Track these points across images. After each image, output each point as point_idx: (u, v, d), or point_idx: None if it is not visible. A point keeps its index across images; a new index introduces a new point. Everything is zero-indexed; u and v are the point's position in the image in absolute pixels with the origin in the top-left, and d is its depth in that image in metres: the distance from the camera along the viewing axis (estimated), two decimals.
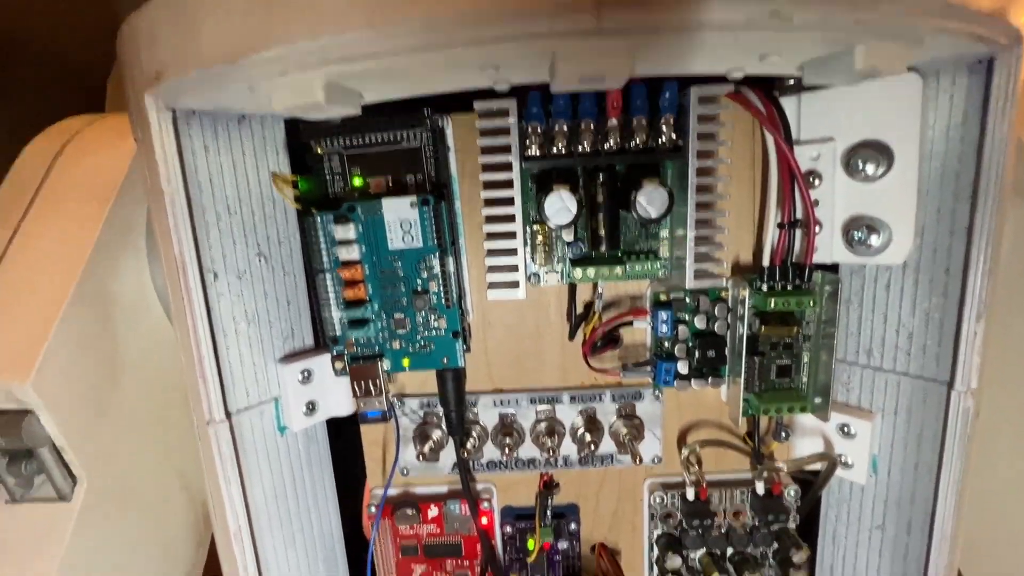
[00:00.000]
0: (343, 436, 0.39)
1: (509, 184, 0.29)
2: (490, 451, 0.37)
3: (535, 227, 0.31)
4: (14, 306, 0.36)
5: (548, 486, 0.38)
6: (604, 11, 0.18)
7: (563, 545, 0.37)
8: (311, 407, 0.35)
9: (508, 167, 0.28)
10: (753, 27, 0.19)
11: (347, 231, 0.29)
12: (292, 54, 0.21)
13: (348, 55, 0.20)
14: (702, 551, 0.37)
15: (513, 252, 0.30)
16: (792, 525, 0.37)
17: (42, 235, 0.40)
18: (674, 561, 0.36)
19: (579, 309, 0.35)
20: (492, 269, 0.31)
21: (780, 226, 0.31)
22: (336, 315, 0.31)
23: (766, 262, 0.32)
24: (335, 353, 0.32)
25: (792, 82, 0.31)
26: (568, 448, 0.37)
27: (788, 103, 0.32)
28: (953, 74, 0.28)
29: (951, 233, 0.30)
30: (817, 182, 0.32)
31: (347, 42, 0.20)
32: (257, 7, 0.21)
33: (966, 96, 0.28)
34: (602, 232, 0.30)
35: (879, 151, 0.30)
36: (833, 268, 0.34)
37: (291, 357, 0.35)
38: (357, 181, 0.31)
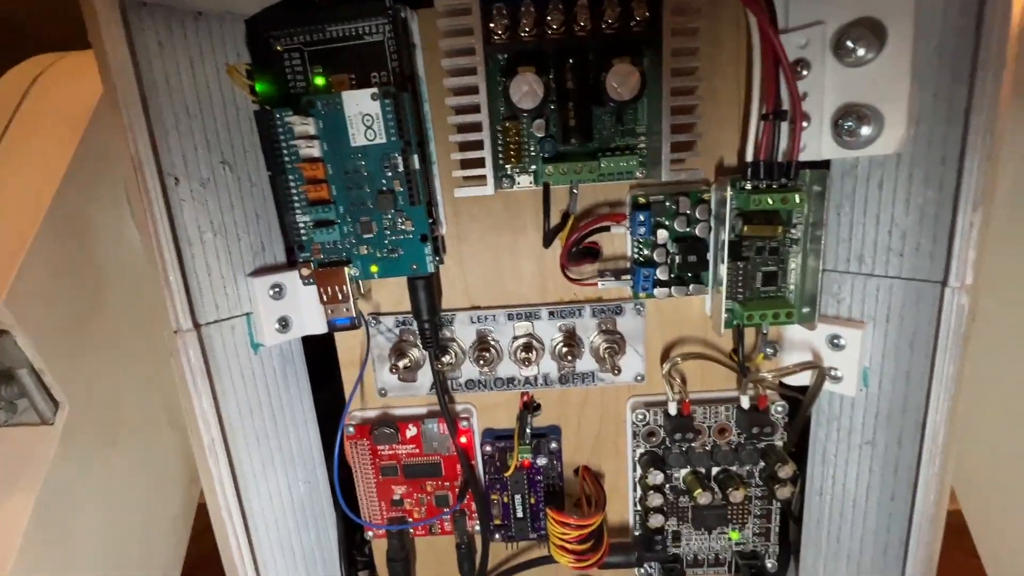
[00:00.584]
0: (325, 359, 0.38)
1: (473, 71, 0.27)
2: (469, 370, 0.36)
3: (506, 124, 0.30)
4: None
5: (528, 406, 0.37)
6: None
7: (543, 462, 0.37)
8: (284, 323, 0.34)
9: (472, 51, 0.27)
10: None
11: (306, 126, 0.28)
12: None
13: None
14: (686, 470, 0.37)
15: (479, 145, 0.28)
16: (779, 441, 0.36)
17: (15, 163, 0.40)
18: (656, 477, 0.35)
19: (556, 218, 0.33)
20: (460, 165, 0.29)
21: (763, 117, 0.29)
22: (301, 218, 0.30)
23: (749, 158, 0.30)
24: (301, 260, 0.31)
25: None
26: (548, 366, 0.36)
27: None
28: None
29: (947, 120, 0.28)
30: (805, 72, 0.30)
31: None
32: None
33: None
34: (572, 123, 0.28)
35: (871, 29, 0.27)
36: (824, 165, 0.32)
37: (261, 271, 0.34)
38: (319, 80, 0.30)
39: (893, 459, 0.33)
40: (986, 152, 0.26)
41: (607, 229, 0.32)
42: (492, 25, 0.27)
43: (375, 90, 0.28)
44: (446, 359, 0.35)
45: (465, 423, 0.37)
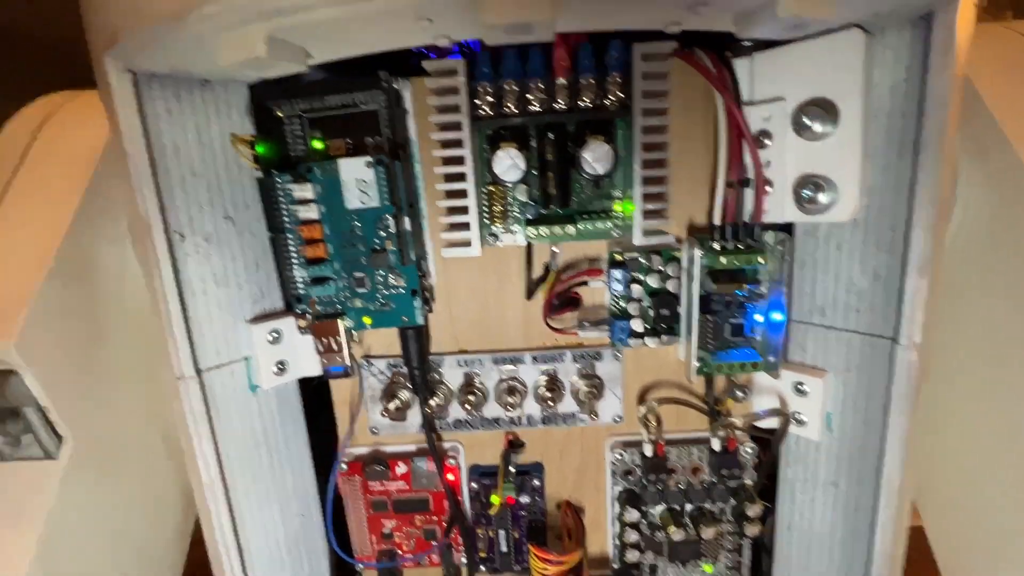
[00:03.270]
0: (320, 398, 0.40)
1: (460, 143, 0.29)
2: (456, 411, 0.38)
3: (491, 188, 0.32)
4: None
5: (512, 444, 0.39)
6: None
7: (526, 500, 0.39)
8: (281, 366, 0.36)
9: (459, 126, 0.29)
10: None
11: (304, 191, 0.30)
12: (231, 8, 0.22)
13: (281, 8, 0.21)
14: (662, 507, 0.39)
15: (465, 211, 0.31)
16: (748, 481, 0.38)
17: (24, 205, 0.41)
18: (632, 515, 0.37)
19: (539, 271, 0.35)
20: (447, 228, 0.31)
21: (729, 184, 0.32)
22: (299, 274, 0.32)
23: (717, 220, 0.32)
24: (299, 312, 0.33)
25: (748, 43, 0.32)
26: (531, 407, 0.38)
27: (742, 64, 0.32)
28: (897, 29, 0.28)
29: (895, 190, 0.30)
30: (768, 142, 0.32)
31: None
32: None
33: (909, 52, 0.28)
34: (552, 191, 0.30)
35: (825, 108, 0.30)
36: (787, 228, 0.34)
37: (261, 318, 0.36)
38: (317, 144, 0.32)
39: (854, 500, 0.36)
40: (930, 222, 0.29)
41: (586, 283, 0.35)
42: (477, 101, 0.29)
43: (369, 158, 0.30)
44: (434, 401, 0.37)
45: (452, 460, 0.39)
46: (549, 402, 0.36)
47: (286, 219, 0.31)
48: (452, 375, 0.38)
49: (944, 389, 0.40)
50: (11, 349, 0.35)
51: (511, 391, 0.37)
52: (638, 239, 0.30)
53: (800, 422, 0.36)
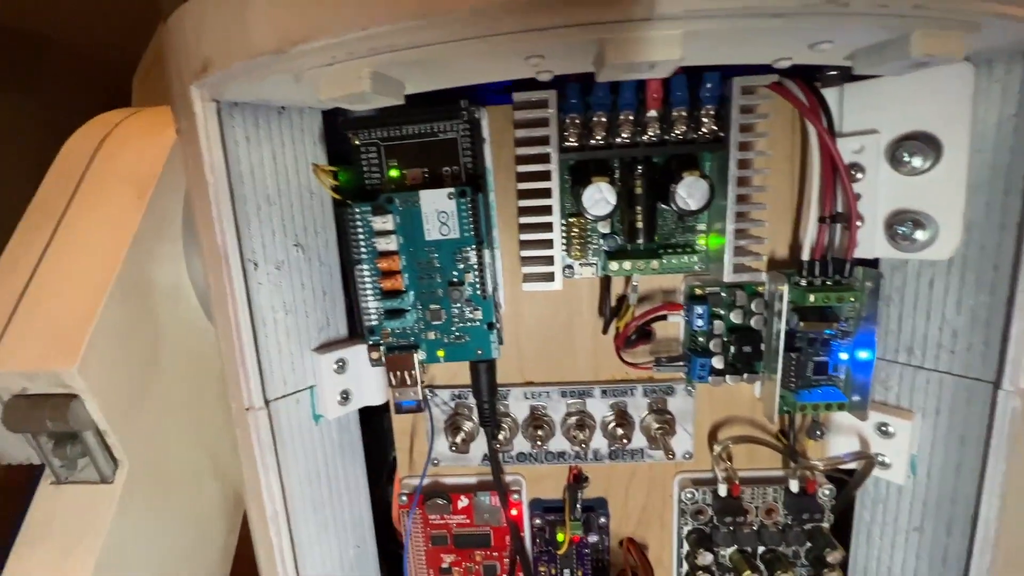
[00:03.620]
0: (369, 424, 0.40)
1: (547, 176, 0.29)
2: (520, 443, 0.37)
3: (570, 219, 0.31)
4: (60, 294, 0.38)
5: (578, 479, 0.38)
6: None
7: (592, 539, 0.37)
8: (345, 396, 0.35)
9: (546, 158, 0.28)
10: (807, 12, 0.19)
11: (385, 222, 0.30)
12: (340, 44, 0.21)
13: (397, 45, 0.20)
14: (733, 548, 0.37)
15: (549, 244, 0.30)
16: (826, 525, 0.36)
17: (85, 225, 0.41)
18: (705, 558, 0.36)
19: (612, 302, 0.34)
20: (527, 261, 0.31)
21: (821, 220, 0.30)
22: (373, 305, 0.31)
23: (805, 256, 0.31)
24: (371, 343, 0.32)
25: (834, 72, 0.31)
26: (599, 442, 0.37)
27: (830, 94, 0.31)
28: (1007, 63, 0.27)
29: (1001, 228, 0.29)
30: (860, 175, 0.31)
31: (397, 31, 0.20)
32: None
33: (1020, 86, 0.27)
34: (639, 225, 0.29)
35: (927, 143, 0.29)
36: (873, 263, 0.33)
37: (326, 347, 0.35)
38: (394, 172, 0.31)
39: (942, 548, 0.34)
40: None
41: (664, 318, 0.33)
42: (565, 132, 0.29)
43: (452, 189, 0.29)
44: (500, 436, 0.36)
45: (516, 496, 0.37)
46: (621, 440, 0.35)
47: (364, 250, 0.30)
48: (518, 407, 0.37)
49: None
50: (74, 373, 0.35)
51: (580, 426, 0.35)
52: (728, 276, 0.29)
53: (884, 464, 0.35)
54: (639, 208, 0.29)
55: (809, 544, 0.36)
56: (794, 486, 0.35)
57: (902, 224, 0.30)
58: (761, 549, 0.37)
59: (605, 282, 0.33)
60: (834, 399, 0.33)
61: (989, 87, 0.28)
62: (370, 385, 0.36)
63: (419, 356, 0.32)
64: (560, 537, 0.36)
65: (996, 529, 0.31)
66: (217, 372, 0.44)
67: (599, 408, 0.36)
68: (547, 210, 0.29)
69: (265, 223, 0.32)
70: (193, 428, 0.45)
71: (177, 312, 0.44)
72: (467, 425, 0.37)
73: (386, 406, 0.37)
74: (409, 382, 0.31)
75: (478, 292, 0.31)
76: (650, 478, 0.38)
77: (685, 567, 0.38)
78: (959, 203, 0.29)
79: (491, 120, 0.32)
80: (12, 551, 0.36)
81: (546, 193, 0.29)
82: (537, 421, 0.36)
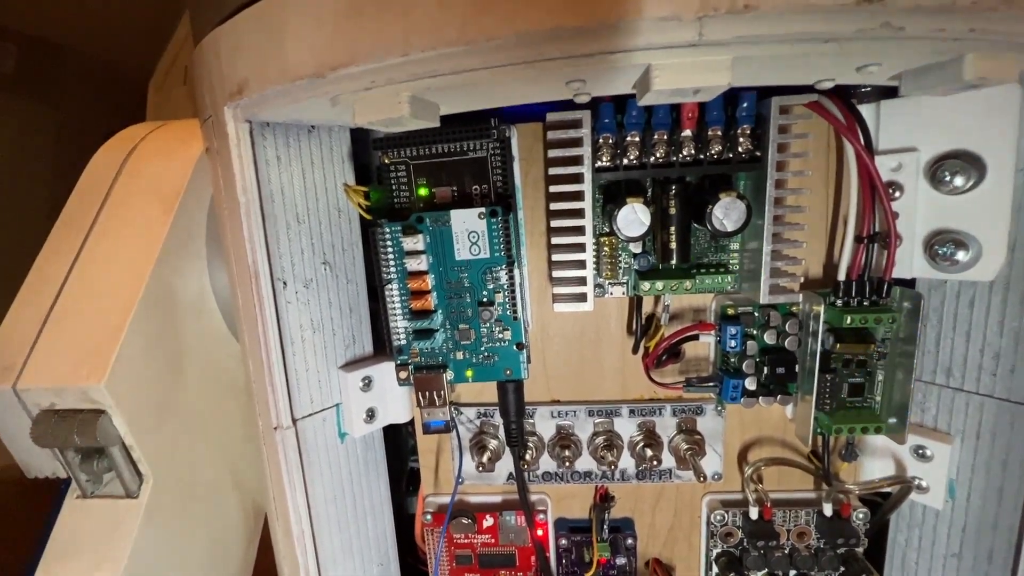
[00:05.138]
0: (387, 436, 0.39)
1: (580, 196, 0.28)
2: (546, 462, 0.37)
3: (602, 239, 0.31)
4: (87, 309, 0.38)
5: (605, 499, 0.37)
6: (707, 23, 0.18)
7: (620, 561, 0.37)
8: (371, 414, 0.35)
9: (579, 178, 0.28)
10: (861, 38, 0.18)
11: (415, 242, 0.29)
12: (380, 69, 0.21)
13: (438, 71, 0.20)
14: (763, 572, 0.36)
15: (582, 265, 0.29)
16: (861, 549, 0.35)
17: (112, 239, 0.41)
18: None
19: (642, 321, 0.34)
20: (558, 282, 0.30)
21: (858, 239, 0.30)
22: (402, 325, 0.31)
23: (842, 276, 0.30)
24: (399, 363, 0.32)
25: (869, 88, 0.30)
26: (626, 462, 0.36)
27: (866, 111, 0.30)
28: None
29: None
30: (898, 194, 0.30)
31: (438, 58, 0.20)
32: (346, 21, 0.21)
33: None
34: (673, 245, 0.29)
35: (969, 162, 0.28)
36: (910, 283, 0.32)
37: (353, 364, 0.35)
38: (423, 191, 0.31)
39: (982, 574, 0.33)
40: None
41: (696, 337, 0.33)
42: (599, 152, 0.28)
43: (483, 209, 0.29)
44: (528, 456, 0.35)
45: (542, 516, 0.37)
46: (652, 462, 0.34)
47: (394, 269, 0.30)
48: (544, 426, 0.36)
49: None
50: (102, 389, 0.35)
51: (608, 446, 0.35)
52: (764, 298, 0.29)
53: (921, 488, 0.34)
54: (673, 228, 0.29)
55: (843, 569, 0.36)
56: (828, 509, 0.34)
57: (943, 245, 0.29)
58: (792, 573, 0.36)
59: (636, 301, 0.32)
60: (870, 422, 0.32)
61: None
62: (396, 403, 0.36)
63: (448, 376, 0.32)
64: (587, 559, 0.36)
65: None
66: (238, 384, 0.43)
67: (627, 428, 0.36)
68: (580, 230, 0.29)
69: (295, 242, 0.32)
70: (215, 441, 0.45)
71: (200, 325, 0.44)
72: (492, 444, 0.36)
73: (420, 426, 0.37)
74: (438, 402, 0.31)
75: (508, 312, 0.30)
76: (677, 498, 0.38)
77: None
78: (1004, 223, 0.28)
79: (520, 137, 0.32)
80: (39, 565, 0.36)
81: (579, 213, 0.28)
82: (564, 440, 0.36)
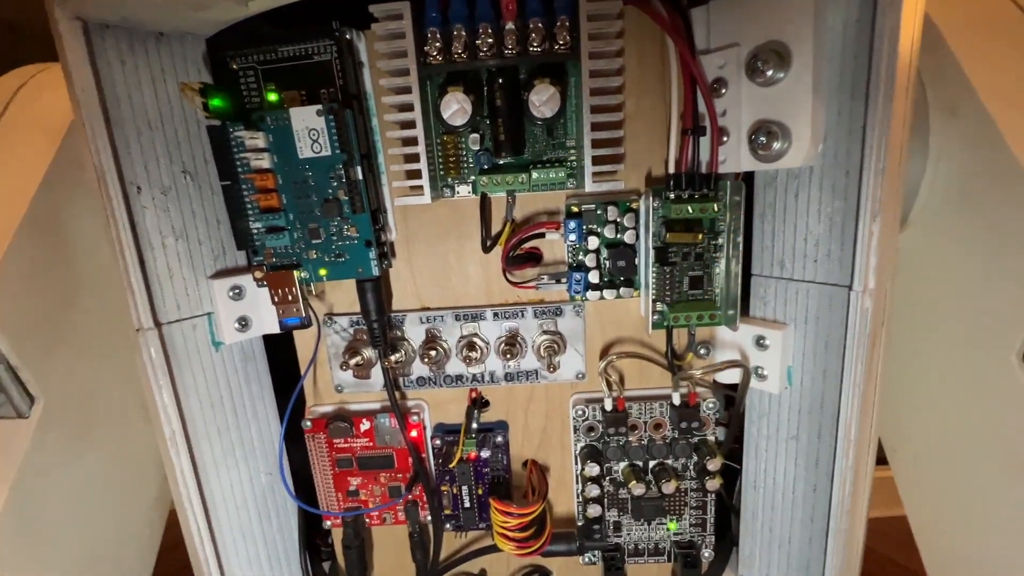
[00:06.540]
0: (287, 356, 0.40)
1: (408, 89, 0.29)
2: (419, 368, 0.39)
3: (444, 138, 0.32)
4: None
5: (476, 402, 0.39)
6: None
7: (487, 454, 0.39)
8: (243, 323, 0.36)
9: (406, 72, 0.29)
10: None
11: (256, 139, 0.30)
12: None
13: None
14: (624, 463, 0.39)
15: (416, 158, 0.31)
16: (710, 436, 0.38)
17: None
18: (593, 469, 0.37)
19: (499, 225, 0.35)
20: (398, 175, 0.31)
21: (684, 133, 0.31)
22: (254, 225, 0.32)
23: (671, 169, 0.32)
24: (255, 263, 0.33)
25: None
26: (494, 364, 0.38)
27: (699, 13, 0.32)
28: None
29: (849, 134, 0.30)
30: (724, 90, 0.32)
31: None
32: None
33: None
34: (503, 137, 0.30)
35: (778, 52, 0.30)
36: (749, 179, 0.34)
37: (222, 274, 0.36)
38: (272, 96, 0.32)
39: (814, 453, 0.35)
40: (880, 166, 0.29)
41: (543, 235, 0.35)
42: (426, 48, 0.29)
43: (320, 106, 0.30)
44: (396, 357, 0.37)
45: (416, 418, 0.39)
46: (510, 358, 0.36)
47: (239, 168, 0.31)
48: (414, 332, 0.38)
49: (920, 348, 0.40)
50: None
51: (471, 347, 0.37)
52: (588, 185, 0.30)
53: (761, 376, 0.36)
54: (501, 121, 0.30)
55: (695, 457, 0.38)
56: (676, 398, 0.37)
57: (760, 135, 0.31)
58: (651, 463, 0.39)
59: (482, 199, 0.33)
60: (706, 311, 0.34)
61: None
62: (268, 314, 0.37)
63: (301, 274, 0.33)
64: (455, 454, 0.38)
65: (857, 429, 0.32)
66: None
67: (492, 331, 0.38)
68: (412, 124, 0.30)
69: (148, 148, 0.33)
70: (122, 369, 0.46)
71: (99, 254, 0.44)
72: (365, 351, 0.38)
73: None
74: (291, 299, 0.32)
75: (352, 208, 0.32)
76: (547, 401, 0.40)
77: (580, 483, 0.40)
78: (807, 111, 0.30)
79: (371, 44, 0.33)
80: None
81: (409, 107, 0.30)
82: (432, 344, 0.37)
